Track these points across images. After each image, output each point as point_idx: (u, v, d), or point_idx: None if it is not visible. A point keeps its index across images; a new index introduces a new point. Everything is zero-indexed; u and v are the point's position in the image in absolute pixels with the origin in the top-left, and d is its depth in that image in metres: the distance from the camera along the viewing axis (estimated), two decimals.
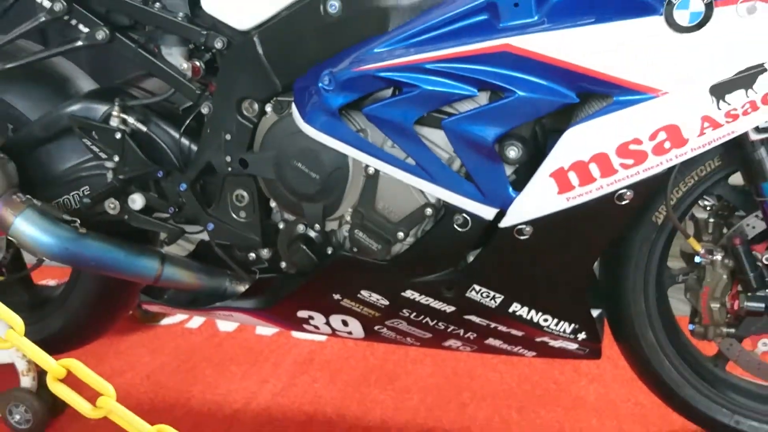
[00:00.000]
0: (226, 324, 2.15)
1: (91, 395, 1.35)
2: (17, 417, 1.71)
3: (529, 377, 1.86)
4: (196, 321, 2.19)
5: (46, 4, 1.55)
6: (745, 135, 1.30)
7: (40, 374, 1.74)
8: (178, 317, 2.19)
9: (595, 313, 1.51)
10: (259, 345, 2.06)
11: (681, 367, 1.54)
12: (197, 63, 1.50)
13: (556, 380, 1.85)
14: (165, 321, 2.19)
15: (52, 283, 2.19)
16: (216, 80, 1.49)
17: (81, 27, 1.56)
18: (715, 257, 1.41)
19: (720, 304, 1.42)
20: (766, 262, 1.40)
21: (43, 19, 1.55)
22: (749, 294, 1.40)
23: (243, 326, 2.14)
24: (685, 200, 1.43)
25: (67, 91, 1.70)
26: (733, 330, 1.45)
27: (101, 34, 1.52)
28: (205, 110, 1.50)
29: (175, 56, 1.53)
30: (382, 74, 1.26)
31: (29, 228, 1.55)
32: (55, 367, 1.19)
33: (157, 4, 1.51)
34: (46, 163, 1.65)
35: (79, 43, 1.55)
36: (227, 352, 2.03)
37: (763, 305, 1.40)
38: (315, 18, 1.34)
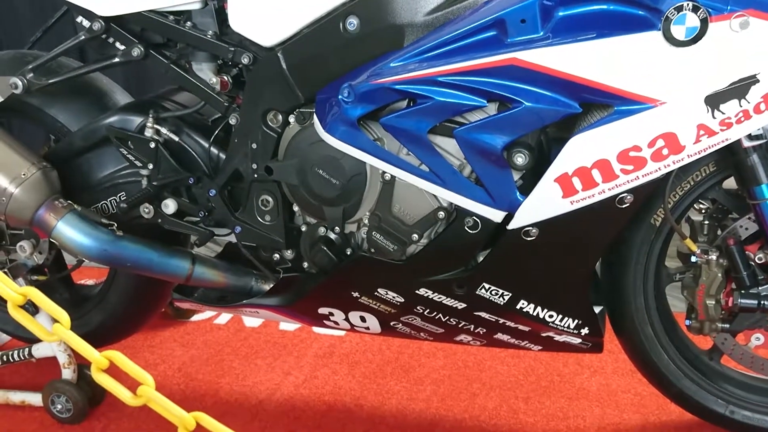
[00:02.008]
0: (252, 320, 2.15)
1: (131, 385, 1.35)
2: (59, 406, 1.72)
3: (534, 369, 1.85)
4: (224, 317, 2.19)
5: (86, 23, 1.56)
6: (738, 142, 1.29)
7: (80, 367, 1.75)
8: (207, 314, 2.19)
9: (597, 309, 1.50)
10: (283, 339, 2.05)
11: (678, 360, 1.53)
12: (225, 77, 1.51)
13: (560, 372, 1.84)
14: (195, 317, 2.19)
15: (90, 282, 2.20)
16: (243, 93, 1.49)
17: (117, 44, 1.57)
18: (710, 257, 1.39)
19: (715, 301, 1.41)
20: (758, 262, 1.39)
21: (83, 37, 1.56)
22: (743, 291, 1.39)
23: (267, 322, 2.14)
24: (681, 203, 1.42)
25: (105, 104, 1.71)
26: (727, 325, 1.43)
27: (137, 51, 1.53)
28: (233, 121, 1.51)
29: (205, 71, 1.53)
30: (398, 87, 1.26)
31: (70, 231, 1.56)
32: (98, 358, 1.19)
33: (188, 23, 1.51)
34: (85, 170, 1.66)
35: (116, 59, 1.56)
36: (253, 347, 2.03)
37: (755, 302, 1.38)
38: (335, 35, 1.34)
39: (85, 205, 1.64)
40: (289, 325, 2.10)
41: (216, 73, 1.53)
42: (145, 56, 1.54)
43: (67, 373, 1.73)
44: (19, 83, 1.58)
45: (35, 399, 1.76)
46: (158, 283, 1.77)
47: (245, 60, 1.47)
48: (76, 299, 1.94)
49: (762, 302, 1.38)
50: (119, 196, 1.64)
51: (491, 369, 1.87)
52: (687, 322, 1.48)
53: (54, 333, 0.99)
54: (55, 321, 1.21)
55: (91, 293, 1.93)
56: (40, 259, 1.75)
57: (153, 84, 2.11)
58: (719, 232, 1.46)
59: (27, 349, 1.77)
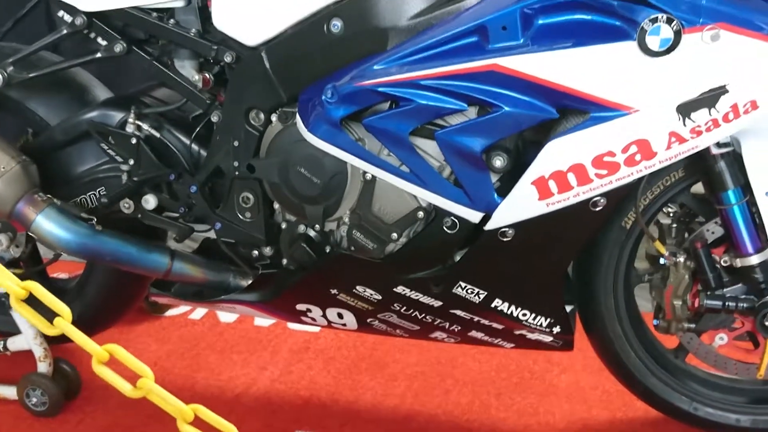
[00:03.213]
0: (227, 315, 2.16)
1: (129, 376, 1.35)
2: (34, 400, 1.71)
3: (506, 366, 1.89)
4: (199, 312, 2.19)
5: (68, 18, 1.56)
6: (707, 149, 1.33)
7: (56, 360, 1.75)
8: (182, 309, 2.19)
9: (568, 308, 1.54)
10: (258, 335, 2.07)
11: (645, 359, 1.58)
12: (207, 75, 1.52)
13: (530, 369, 1.88)
14: (170, 312, 2.19)
15: (63, 276, 2.19)
16: (225, 91, 1.50)
17: (99, 40, 1.57)
18: (678, 259, 1.44)
19: (682, 301, 1.45)
20: (723, 264, 1.44)
21: (65, 32, 1.56)
22: (708, 293, 1.44)
23: (243, 317, 2.14)
24: (651, 207, 1.46)
25: (84, 99, 1.70)
26: (693, 325, 1.48)
27: (119, 47, 1.54)
28: (214, 119, 1.52)
29: (187, 69, 1.54)
30: (381, 89, 1.28)
31: (49, 225, 1.56)
32: (99, 351, 1.20)
33: (171, 21, 1.52)
34: (64, 165, 1.66)
35: (98, 54, 1.56)
36: (228, 342, 2.04)
37: (720, 303, 1.43)
38: (319, 36, 1.36)
39: (64, 199, 1.63)
40: (264, 321, 2.11)
41: (198, 71, 1.54)
42: (127, 52, 1.54)
43: (43, 367, 1.72)
44: (0, 78, 1.57)
45: (9, 392, 1.75)
46: (135, 278, 1.78)
47: (228, 58, 1.48)
48: (51, 293, 1.92)
49: (726, 303, 1.43)
50: (99, 191, 1.64)
51: (464, 366, 1.91)
52: (655, 322, 1.53)
53: (56, 326, 1.00)
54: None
55: (67, 287, 1.92)
56: (16, 252, 1.74)
57: (128, 78, 2.11)
58: (686, 235, 1.51)
59: (2, 343, 1.76)
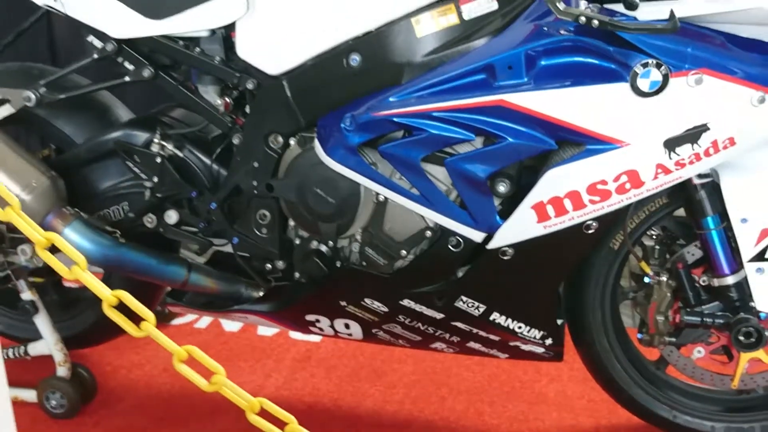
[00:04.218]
0: (232, 324, 2.26)
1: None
2: (53, 402, 1.80)
3: (497, 376, 2.01)
4: (204, 321, 2.29)
5: (97, 43, 1.66)
6: (689, 179, 1.46)
7: (74, 365, 1.84)
8: (188, 317, 2.29)
9: (558, 322, 1.67)
10: (262, 344, 2.17)
11: (629, 370, 1.70)
12: (228, 100, 1.64)
13: (520, 379, 2.00)
14: (176, 321, 2.29)
15: (73, 285, 2.27)
16: (246, 116, 1.62)
17: (127, 64, 1.67)
18: (661, 278, 1.57)
19: (664, 317, 1.58)
20: (702, 284, 1.57)
21: (95, 56, 1.66)
22: (688, 309, 1.57)
23: (246, 326, 2.25)
24: (638, 230, 1.59)
25: (108, 119, 1.81)
26: (674, 339, 1.61)
27: (147, 72, 1.64)
28: (236, 141, 1.63)
29: (210, 93, 1.65)
30: (397, 119, 1.41)
31: (76, 237, 1.66)
32: (178, 349, 1.26)
33: (197, 49, 1.63)
34: (90, 180, 1.76)
35: (127, 78, 1.67)
36: (233, 350, 2.14)
37: (699, 319, 1.56)
38: (338, 69, 1.48)
39: (89, 213, 1.73)
40: (267, 330, 2.22)
41: (220, 96, 1.65)
42: (154, 77, 1.65)
43: (62, 371, 1.81)
44: (33, 97, 1.67)
45: (29, 395, 1.84)
46: (150, 287, 1.88)
47: (250, 86, 1.59)
48: (65, 301, 2.02)
49: (704, 319, 1.56)
50: (122, 206, 1.74)
51: (458, 375, 2.02)
52: (639, 336, 1.66)
53: (72, 272, 1.09)
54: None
55: (82, 296, 2.01)
56: (39, 262, 1.83)
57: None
58: (668, 255, 1.64)
59: (23, 348, 1.85)
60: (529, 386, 1.98)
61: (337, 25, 1.48)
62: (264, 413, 1.23)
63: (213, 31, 1.62)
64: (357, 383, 1.99)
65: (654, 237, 1.65)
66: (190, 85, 1.68)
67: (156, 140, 1.67)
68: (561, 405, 1.90)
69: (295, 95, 1.53)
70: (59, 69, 1.78)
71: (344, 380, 2.00)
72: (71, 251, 1.05)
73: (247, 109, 1.64)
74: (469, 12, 1.42)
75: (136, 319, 1.31)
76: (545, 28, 1.36)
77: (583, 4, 1.33)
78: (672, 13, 1.22)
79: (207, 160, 1.69)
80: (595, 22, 1.22)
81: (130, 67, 1.67)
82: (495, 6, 1.42)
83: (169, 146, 1.67)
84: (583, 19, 1.22)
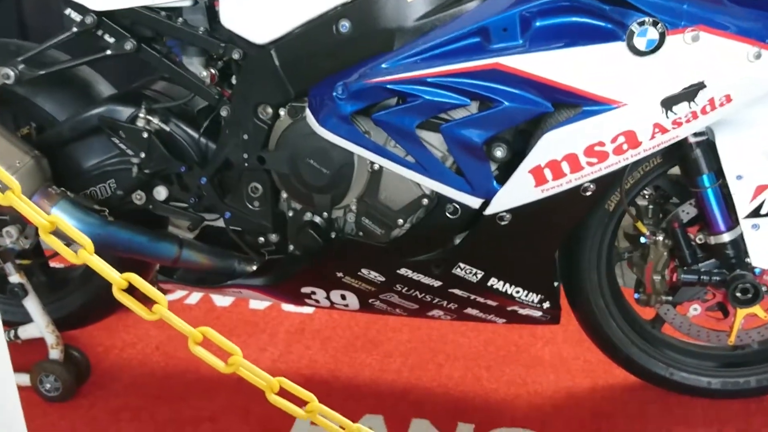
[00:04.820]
0: (222, 299, 2.24)
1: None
2: (48, 386, 1.78)
3: (493, 341, 2.02)
4: (195, 297, 2.26)
5: (75, 16, 1.61)
6: (684, 138, 1.46)
7: (67, 347, 1.82)
8: (177, 294, 2.26)
9: (554, 284, 1.67)
10: (254, 317, 2.16)
11: (626, 330, 1.72)
12: (213, 71, 1.60)
13: (516, 343, 2.01)
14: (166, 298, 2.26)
15: (60, 266, 2.24)
16: (234, 87, 1.58)
17: (107, 37, 1.63)
18: (657, 238, 1.58)
19: (661, 276, 1.59)
20: (698, 242, 1.58)
21: (75, 30, 1.62)
22: (685, 268, 1.59)
23: (238, 301, 2.23)
24: (632, 191, 1.60)
25: (90, 95, 1.77)
26: (671, 297, 1.63)
27: (129, 45, 1.60)
28: (223, 113, 1.60)
29: (195, 65, 1.62)
30: (390, 86, 1.38)
31: (64, 217, 1.63)
32: (193, 331, 1.21)
33: (180, 20, 1.59)
34: (74, 158, 1.72)
35: (108, 52, 1.62)
36: (226, 325, 2.13)
37: (696, 277, 1.58)
38: (328, 36, 1.45)
39: (74, 191, 1.70)
40: (259, 304, 2.20)
41: (205, 67, 1.61)
42: (137, 50, 1.61)
43: (55, 353, 1.79)
44: (11, 74, 1.63)
45: (22, 379, 1.81)
46: (139, 265, 1.85)
47: (236, 56, 1.56)
48: (54, 283, 1.99)
49: (701, 277, 1.57)
50: (109, 183, 1.71)
51: (453, 342, 2.03)
52: (636, 296, 1.67)
53: (79, 256, 1.07)
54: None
55: (69, 276, 1.99)
56: (26, 243, 1.80)
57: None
58: (661, 214, 1.65)
59: (13, 331, 1.82)
60: (525, 350, 1.99)
61: None
62: (283, 392, 1.21)
63: (196, 1, 1.58)
64: (353, 354, 1.99)
65: (646, 196, 1.65)
66: (174, 57, 1.64)
67: (141, 115, 1.63)
68: (557, 367, 1.92)
69: (283, 64, 1.51)
70: (37, 45, 1.73)
71: (340, 351, 2.00)
72: (77, 234, 1.02)
73: (234, 80, 1.61)
74: None
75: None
76: None
77: None
78: None
79: (195, 134, 1.66)
80: None
81: (110, 40, 1.63)
82: None
83: (155, 121, 1.64)
84: None
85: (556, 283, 1.67)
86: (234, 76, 1.61)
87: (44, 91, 1.73)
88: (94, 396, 1.83)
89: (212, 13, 1.58)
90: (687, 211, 1.59)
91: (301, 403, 1.23)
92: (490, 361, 1.95)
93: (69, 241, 1.08)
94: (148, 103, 1.66)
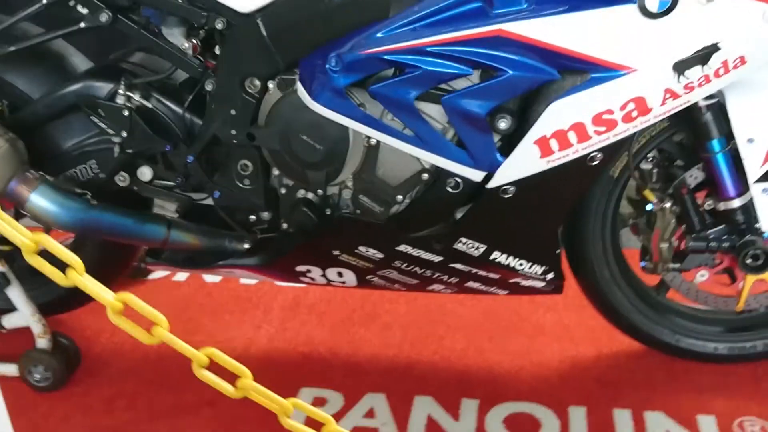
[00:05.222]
0: (212, 275, 2.18)
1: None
2: (37, 376, 1.72)
3: (494, 310, 1.98)
4: (183, 274, 2.19)
5: None
6: (695, 102, 1.41)
7: (55, 335, 1.76)
8: (165, 272, 2.20)
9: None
10: (247, 293, 2.10)
11: (631, 297, 1.69)
12: (195, 41, 1.51)
13: (517, 311, 1.97)
14: (152, 276, 2.20)
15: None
16: (219, 59, 1.50)
17: (80, 8, 1.53)
18: (665, 205, 1.54)
19: (668, 244, 1.55)
20: (707, 208, 1.54)
21: (45, 2, 1.52)
22: (693, 235, 1.54)
23: (228, 277, 2.17)
24: (638, 156, 1.55)
25: (65, 69, 1.67)
26: (678, 265, 1.59)
27: (104, 17, 1.50)
28: (208, 87, 1.51)
29: (176, 36, 1.53)
30: (388, 57, 1.31)
31: (44, 203, 1.55)
32: (199, 356, 1.20)
33: None
34: (51, 138, 1.63)
35: (82, 24, 1.52)
36: (218, 302, 2.07)
37: (704, 244, 1.54)
38: (318, 3, 1.37)
39: (53, 173, 1.62)
40: (250, 279, 2.15)
41: (187, 38, 1.52)
42: (113, 21, 1.51)
43: (43, 342, 1.73)
44: None
45: (9, 369, 1.75)
46: (125, 246, 1.78)
47: (219, 25, 1.47)
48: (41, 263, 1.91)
49: (710, 244, 1.54)
50: (89, 164, 1.62)
51: (453, 312, 1.99)
52: (642, 264, 1.63)
53: (68, 277, 1.01)
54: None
55: (54, 259, 1.91)
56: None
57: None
58: (666, 179, 1.60)
59: None
60: (527, 318, 1.96)
61: None
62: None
63: None
64: (351, 328, 1.95)
65: (650, 159, 1.60)
66: (152, 28, 1.55)
67: (121, 91, 1.54)
68: (560, 335, 1.89)
69: (271, 34, 1.42)
70: (4, 17, 1.62)
71: (338, 326, 1.96)
72: (63, 253, 0.96)
73: (218, 50, 1.52)
74: None
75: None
76: None
77: None
78: None
79: (179, 110, 1.57)
80: None
81: (84, 11, 1.52)
82: None
83: (136, 97, 1.55)
84: None
85: (558, 251, 1.62)
86: (218, 47, 1.52)
87: (15, 66, 1.63)
88: (86, 384, 1.78)
89: None
90: (695, 176, 1.55)
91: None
92: (492, 332, 1.91)
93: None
94: (128, 77, 1.56)
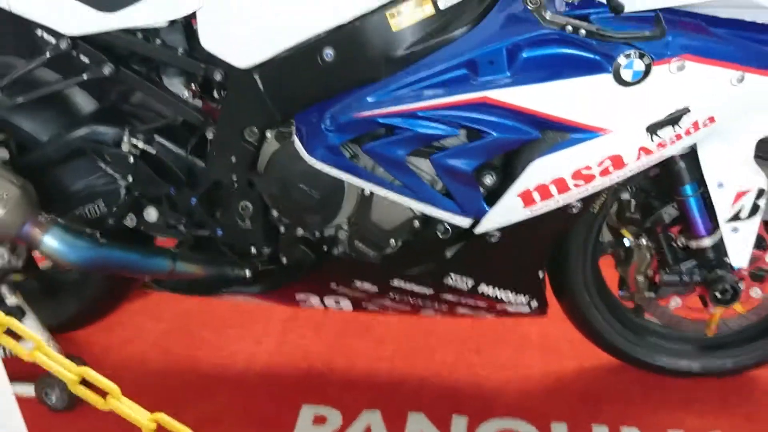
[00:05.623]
0: None
1: None
2: (53, 398, 1.83)
3: (481, 321, 2.08)
4: None
5: (50, 39, 1.58)
6: None
7: (68, 357, 1.86)
8: None
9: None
10: (248, 306, 2.18)
11: (610, 321, 1.80)
12: (194, 86, 1.59)
13: (503, 322, 2.07)
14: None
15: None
16: (220, 110, 1.57)
17: (83, 58, 1.60)
18: (640, 241, 1.64)
19: (644, 276, 1.66)
20: (680, 244, 1.65)
21: (49, 55, 1.58)
22: (666, 270, 1.65)
23: None
24: (616, 192, 1.64)
25: (70, 111, 1.74)
26: (653, 294, 1.70)
27: (107, 69, 1.58)
28: (209, 135, 1.60)
29: (177, 85, 1.61)
30: (381, 120, 1.39)
31: (56, 244, 1.64)
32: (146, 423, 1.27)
33: (158, 41, 1.56)
34: (60, 180, 1.72)
35: (85, 75, 1.60)
36: (220, 316, 2.17)
37: (677, 277, 1.65)
38: (312, 63, 1.44)
39: (62, 212, 1.71)
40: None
41: (187, 87, 1.60)
42: (115, 72, 1.58)
43: None
44: None
45: (26, 389, 1.86)
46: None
47: (218, 77, 1.55)
48: (48, 288, 2.01)
49: (682, 277, 1.64)
50: (97, 203, 1.71)
51: (442, 323, 2.09)
52: (620, 292, 1.75)
53: (107, 403, 1.11)
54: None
55: (65, 281, 2.00)
56: (18, 262, 1.81)
57: None
58: (643, 212, 1.70)
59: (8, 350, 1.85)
60: (512, 329, 2.07)
61: (306, 17, 1.42)
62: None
63: (172, 21, 1.55)
64: (346, 340, 2.06)
65: (630, 193, 1.69)
66: (154, 77, 1.62)
67: (125, 139, 1.62)
68: (545, 348, 2.01)
69: (268, 90, 1.50)
70: (21, 62, 1.69)
71: (334, 339, 2.07)
72: (103, 382, 1.06)
73: (215, 94, 1.60)
74: (445, 0, 1.37)
75: None
76: (526, 20, 1.33)
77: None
78: (659, 18, 1.21)
79: (181, 152, 1.66)
80: (582, 32, 1.21)
81: (86, 60, 1.60)
82: None
83: (140, 143, 1.63)
84: (570, 28, 1.20)
85: (541, 273, 1.72)
86: (215, 92, 1.59)
87: (22, 110, 1.70)
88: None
89: (190, 31, 1.56)
90: (669, 213, 1.64)
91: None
92: (480, 344, 2.03)
93: None
94: (132, 123, 1.64)
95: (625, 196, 1.70)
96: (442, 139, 1.41)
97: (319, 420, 1.82)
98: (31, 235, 1.63)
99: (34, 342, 1.10)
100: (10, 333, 1.18)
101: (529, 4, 1.17)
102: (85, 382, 1.16)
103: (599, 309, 1.79)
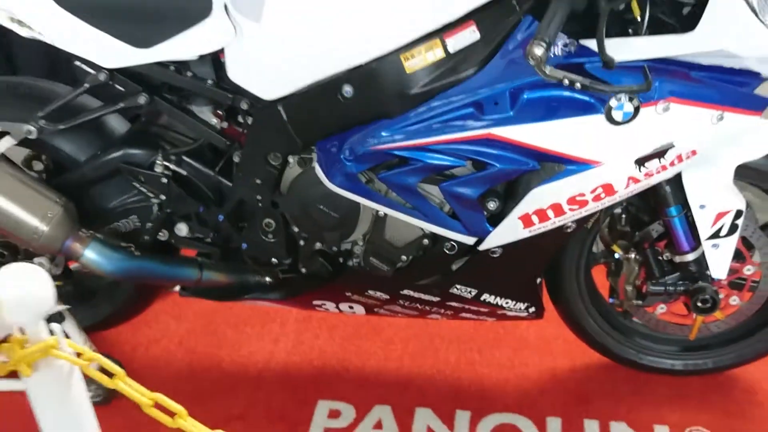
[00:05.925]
0: None
1: None
2: (90, 394, 1.99)
3: (482, 324, 2.25)
4: None
5: (88, 70, 1.71)
6: None
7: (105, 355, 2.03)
8: None
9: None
10: (264, 307, 2.34)
11: (601, 324, 1.97)
12: (220, 112, 1.74)
13: (503, 325, 2.24)
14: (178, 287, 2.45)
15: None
16: (246, 136, 1.72)
17: (119, 87, 1.74)
18: (629, 255, 1.80)
19: (633, 286, 1.83)
20: (665, 259, 1.81)
21: (88, 85, 1.72)
22: (653, 282, 1.81)
23: None
24: (608, 209, 1.80)
25: (104, 132, 1.87)
26: (640, 302, 1.86)
27: (143, 99, 1.71)
28: (236, 159, 1.75)
29: (206, 113, 1.75)
30: (396, 152, 1.54)
31: (96, 257, 1.79)
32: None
33: (189, 73, 1.70)
34: (98, 198, 1.86)
35: (122, 104, 1.74)
36: (240, 315, 2.33)
37: (662, 288, 1.81)
38: (332, 99, 1.58)
39: (99, 226, 1.86)
40: None
41: (215, 114, 1.74)
42: (150, 102, 1.73)
43: (93, 365, 1.99)
44: (33, 130, 1.73)
45: None
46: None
47: (244, 106, 1.69)
48: (82, 291, 2.16)
49: (667, 288, 1.81)
50: (131, 219, 1.87)
51: (447, 324, 2.26)
52: (610, 300, 1.91)
53: (175, 421, 1.28)
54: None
55: (97, 285, 2.15)
56: (57, 270, 1.97)
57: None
58: (632, 225, 1.86)
59: None
60: (511, 331, 2.24)
61: (327, 57, 1.55)
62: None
63: (200, 55, 1.68)
64: (358, 341, 2.22)
65: (621, 208, 1.85)
66: (184, 105, 1.76)
67: (159, 161, 1.77)
68: (541, 348, 2.18)
69: (291, 120, 1.63)
70: (46, 83, 1.83)
71: (347, 340, 2.23)
72: (172, 405, 1.24)
73: (240, 119, 1.74)
74: (454, 45, 1.51)
75: None
76: (527, 65, 1.47)
77: (561, 42, 1.45)
78: (646, 72, 1.36)
79: (210, 173, 1.80)
80: (578, 85, 1.35)
81: (123, 90, 1.73)
82: (477, 36, 1.51)
83: (172, 166, 1.78)
84: (566, 81, 1.35)
85: (538, 280, 1.89)
86: (240, 118, 1.74)
87: (62, 133, 1.84)
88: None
89: (218, 64, 1.69)
90: (656, 229, 1.80)
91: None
92: (481, 344, 2.20)
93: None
94: (164, 146, 1.79)
95: (617, 210, 1.87)
96: (450, 169, 1.57)
97: (334, 414, 1.99)
98: (72, 250, 1.78)
99: (117, 373, 1.25)
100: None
101: (531, 60, 1.31)
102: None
103: (591, 314, 1.96)
